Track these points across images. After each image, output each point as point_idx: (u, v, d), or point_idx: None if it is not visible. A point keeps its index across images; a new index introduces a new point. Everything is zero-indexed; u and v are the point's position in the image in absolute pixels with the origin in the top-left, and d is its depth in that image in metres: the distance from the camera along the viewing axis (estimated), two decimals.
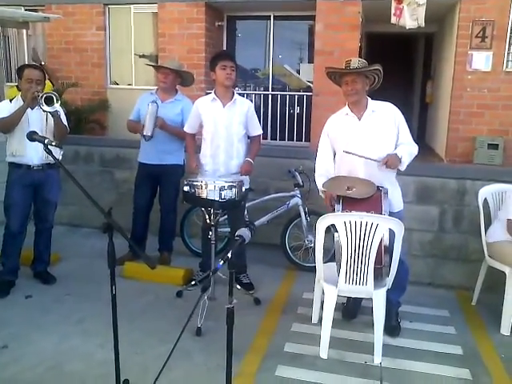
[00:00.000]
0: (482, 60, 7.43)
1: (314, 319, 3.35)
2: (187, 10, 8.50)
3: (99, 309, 3.38)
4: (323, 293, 3.03)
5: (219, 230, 4.20)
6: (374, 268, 2.81)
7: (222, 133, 3.68)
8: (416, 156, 3.16)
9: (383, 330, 2.99)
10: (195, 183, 3.19)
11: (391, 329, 3.21)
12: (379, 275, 2.90)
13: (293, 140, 8.75)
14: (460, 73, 7.60)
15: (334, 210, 2.98)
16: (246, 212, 4.47)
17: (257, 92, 9.60)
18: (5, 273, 3.81)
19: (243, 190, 3.34)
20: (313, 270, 3.61)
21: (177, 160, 4.23)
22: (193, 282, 3.72)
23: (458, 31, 7.61)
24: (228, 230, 4.24)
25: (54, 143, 2.49)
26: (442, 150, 8.26)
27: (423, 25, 7.23)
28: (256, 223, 4.50)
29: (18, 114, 3.52)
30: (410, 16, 7.37)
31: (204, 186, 3.15)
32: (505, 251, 3.36)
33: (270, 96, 9.13)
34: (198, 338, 3.13)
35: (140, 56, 9.18)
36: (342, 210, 2.87)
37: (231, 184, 3.18)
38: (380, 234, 2.72)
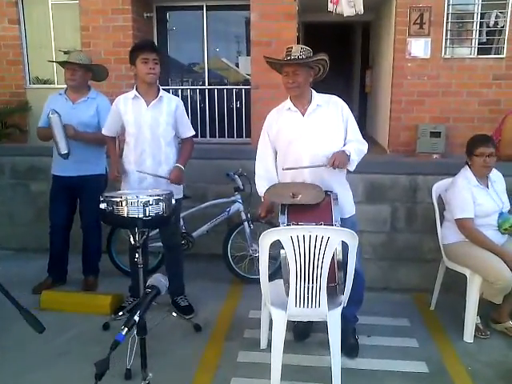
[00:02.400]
0: (420, 47, 7.30)
1: (263, 344, 2.95)
2: (111, 0, 7.81)
3: (11, 353, 2.83)
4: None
5: (152, 245, 3.73)
6: (327, 287, 2.44)
7: (147, 135, 3.17)
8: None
9: (341, 350, 2.65)
10: (113, 199, 2.67)
11: (349, 348, 2.87)
12: (333, 294, 2.53)
13: (233, 137, 8.31)
14: (399, 60, 7.43)
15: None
16: (182, 223, 4.02)
17: (192, 87, 9.06)
18: None
19: (173, 202, 2.86)
20: (259, 282, 3.22)
21: (97, 169, 3.69)
22: (120, 313, 3.20)
23: (396, 18, 7.43)
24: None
25: None
26: (384, 141, 8.09)
27: (361, 12, 6.99)
28: (194, 234, 4.08)
29: None
30: (348, 3, 7.12)
31: (124, 203, 2.63)
32: (463, 252, 3.10)
33: (206, 91, 8.62)
34: (128, 383, 2.64)
35: (64, 52, 8.38)
36: (288, 223, 2.47)
37: (157, 198, 2.68)
38: (332, 248, 2.35)
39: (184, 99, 8.23)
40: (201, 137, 8.29)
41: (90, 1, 7.92)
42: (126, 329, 1.46)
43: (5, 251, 4.67)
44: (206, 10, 8.79)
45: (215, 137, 8.31)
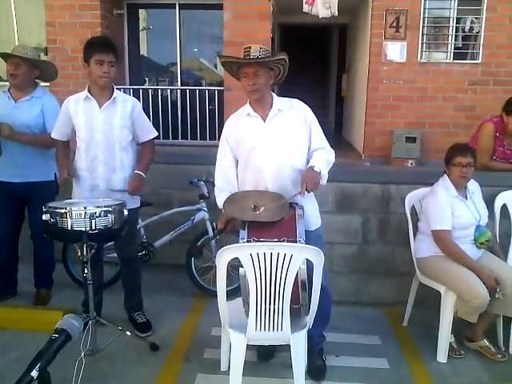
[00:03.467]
0: (396, 51, 7.20)
1: (223, 366, 2.72)
2: None
3: None
4: None
5: (108, 255, 3.49)
6: (291, 308, 2.24)
7: (100, 140, 2.91)
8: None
9: (307, 372, 2.48)
10: (57, 210, 2.42)
11: (316, 371, 2.68)
12: (297, 316, 2.33)
13: (206, 139, 8.07)
14: (375, 64, 7.33)
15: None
16: (142, 232, 3.78)
17: (163, 87, 8.79)
18: None
19: (125, 213, 2.62)
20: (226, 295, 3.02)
21: (45, 176, 3.40)
22: None
23: (372, 21, 7.33)
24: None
25: None
26: (359, 145, 7.98)
27: (336, 14, 6.86)
28: (156, 244, 3.85)
29: None
30: (323, 4, 6.98)
31: (68, 214, 2.38)
32: (437, 268, 2.94)
33: (179, 91, 8.37)
34: None
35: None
36: (248, 238, 2.25)
37: (106, 209, 2.44)
38: (295, 266, 2.15)
39: (155, 99, 7.99)
40: (172, 139, 8.04)
41: None
42: None
43: None
44: (179, 9, 8.54)
45: (187, 139, 8.07)
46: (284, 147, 2.53)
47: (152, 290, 3.50)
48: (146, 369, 2.77)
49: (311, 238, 2.40)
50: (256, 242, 2.23)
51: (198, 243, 3.72)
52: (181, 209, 3.91)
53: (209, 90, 8.37)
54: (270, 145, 2.53)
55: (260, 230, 2.29)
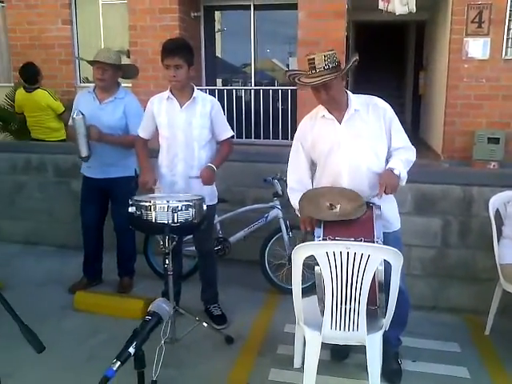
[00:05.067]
0: (478, 47, 6.85)
1: (297, 363, 2.74)
2: None
3: (38, 356, 2.77)
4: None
5: (187, 249, 3.63)
6: (367, 309, 2.22)
7: (180, 139, 3.03)
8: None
9: (382, 375, 2.43)
10: (142, 203, 2.57)
11: (391, 374, 2.63)
12: (373, 317, 2.30)
13: (278, 138, 8.14)
14: (455, 62, 7.03)
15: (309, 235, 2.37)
16: (218, 227, 3.88)
17: (238, 87, 8.96)
18: None
19: (204, 208, 2.72)
20: None
21: (126, 171, 3.57)
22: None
23: (452, 16, 7.03)
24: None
25: None
26: (438, 146, 7.69)
27: (414, 10, 6.66)
28: (231, 239, 3.94)
29: None
30: (400, 1, 6.79)
31: (153, 208, 2.52)
32: None
33: (252, 91, 8.50)
34: None
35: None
36: (324, 236, 2.26)
37: (187, 204, 2.55)
38: (373, 267, 2.12)
39: (230, 100, 8.17)
40: (245, 138, 8.19)
41: (137, 0, 8.00)
42: (119, 363, 1.30)
43: (47, 247, 4.71)
44: (254, 10, 8.67)
45: (260, 138, 8.18)
46: (361, 149, 2.46)
47: (226, 284, 3.58)
48: (221, 360, 2.85)
49: (390, 240, 2.36)
50: (332, 240, 2.23)
51: (271, 241, 3.78)
52: (255, 206, 3.98)
53: (282, 89, 8.44)
54: (346, 147, 2.46)
55: (336, 228, 2.27)
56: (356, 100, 2.50)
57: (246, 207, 4.01)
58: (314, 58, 2.31)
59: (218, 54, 9.65)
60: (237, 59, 9.62)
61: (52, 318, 3.34)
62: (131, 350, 1.31)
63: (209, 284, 3.34)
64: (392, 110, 2.53)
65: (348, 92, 2.52)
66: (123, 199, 3.44)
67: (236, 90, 8.66)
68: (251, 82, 8.99)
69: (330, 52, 2.33)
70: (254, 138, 8.17)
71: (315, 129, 2.56)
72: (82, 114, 3.32)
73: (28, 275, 4.04)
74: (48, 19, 8.34)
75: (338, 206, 2.33)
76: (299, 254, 2.19)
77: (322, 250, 2.14)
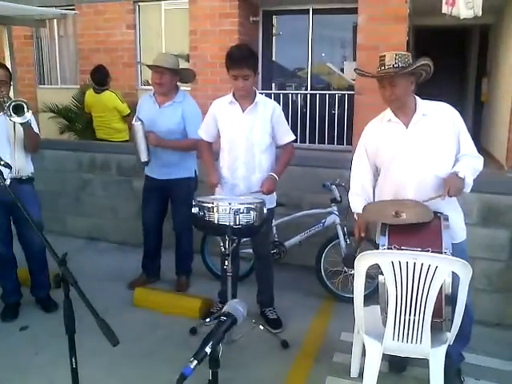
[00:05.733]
0: None
1: (354, 372, 2.71)
2: (220, 4, 7.98)
3: (100, 347, 2.88)
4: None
5: (243, 251, 3.66)
6: (432, 322, 2.16)
7: (242, 142, 3.06)
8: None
9: None
10: (205, 204, 2.62)
11: None
12: (438, 330, 2.24)
13: (333, 143, 8.07)
14: None
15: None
16: (274, 231, 3.90)
17: (294, 92, 8.96)
18: (6, 295, 3.44)
19: (264, 212, 2.74)
20: (353, 301, 2.99)
21: (186, 173, 3.66)
22: (208, 319, 3.15)
23: None
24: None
25: (2, 162, 2.01)
26: (501, 155, 7.37)
27: (480, 14, 6.41)
28: (286, 244, 3.94)
29: None
30: (465, 4, 6.56)
31: (215, 209, 2.57)
32: None
33: (308, 96, 8.48)
34: None
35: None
36: (389, 245, 2.22)
37: (249, 206, 2.58)
38: (440, 279, 2.07)
39: (285, 104, 8.19)
40: (300, 142, 8.18)
41: (199, 6, 8.18)
42: (196, 362, 1.33)
43: (108, 244, 4.91)
44: (313, 14, 8.64)
45: (315, 143, 8.15)
46: (427, 155, 2.41)
47: (281, 288, 3.58)
48: (276, 364, 2.86)
49: (455, 251, 2.28)
50: (397, 249, 2.19)
51: (328, 247, 3.75)
52: (312, 211, 3.97)
53: (338, 94, 8.36)
54: (412, 153, 2.42)
55: (402, 237, 2.23)
56: (424, 105, 2.46)
57: (303, 212, 4.00)
58: (384, 56, 2.33)
59: (274, 58, 9.70)
60: (291, 63, 9.63)
61: (112, 312, 3.43)
62: (207, 349, 1.34)
63: (265, 287, 3.36)
64: (461, 117, 2.47)
65: (416, 97, 2.49)
66: (183, 200, 3.58)
67: (292, 94, 8.66)
68: (305, 86, 8.97)
69: (403, 52, 2.34)
70: (309, 143, 8.14)
71: (381, 133, 2.54)
72: (141, 121, 3.43)
73: (90, 270, 4.20)
74: (113, 24, 8.69)
75: (403, 214, 2.29)
76: (363, 263, 2.16)
77: (387, 259, 2.11)
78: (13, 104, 2.88)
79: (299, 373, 2.80)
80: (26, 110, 2.90)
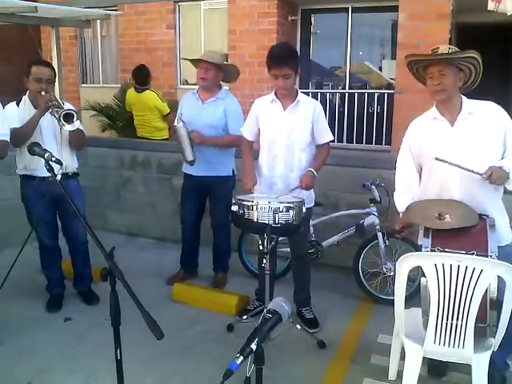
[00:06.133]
0: None
1: (392, 375, 2.67)
2: (259, 4, 8.00)
3: (140, 341, 2.95)
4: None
5: (280, 250, 3.67)
6: (475, 327, 2.11)
7: (282, 141, 3.07)
8: None
9: None
10: (245, 203, 2.65)
11: None
12: (482, 335, 2.18)
13: (371, 143, 7.96)
14: None
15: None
16: (311, 231, 3.88)
17: (332, 91, 8.89)
18: (52, 287, 3.58)
19: (303, 211, 2.74)
20: (391, 303, 2.93)
21: (225, 171, 3.71)
22: (245, 317, 3.18)
23: None
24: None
25: (53, 158, 2.10)
26: None
27: None
28: (324, 244, 3.92)
29: (31, 125, 3.11)
30: None
31: (255, 207, 2.59)
32: None
33: (346, 95, 8.39)
34: None
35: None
36: (432, 247, 2.19)
37: (288, 205, 2.59)
38: (485, 283, 2.02)
39: (323, 103, 8.15)
40: (337, 142, 8.11)
41: (238, 5, 8.22)
42: (242, 357, 1.36)
43: (147, 239, 5.03)
44: (352, 13, 8.55)
45: (352, 142, 8.06)
46: (473, 154, 2.36)
47: (318, 289, 3.57)
48: (313, 364, 2.86)
49: (501, 255, 2.22)
50: (441, 252, 2.15)
51: (366, 248, 3.71)
52: (350, 211, 3.93)
53: (377, 93, 8.25)
54: (457, 151, 2.39)
55: (445, 239, 2.20)
56: (470, 104, 2.44)
57: (341, 212, 3.98)
58: (438, 47, 2.34)
59: (311, 56, 9.65)
60: (328, 62, 9.57)
61: (151, 307, 3.52)
62: (253, 346, 1.36)
63: (302, 286, 3.36)
64: (508, 116, 2.41)
65: (462, 96, 2.47)
66: (221, 198, 3.64)
67: (329, 93, 8.60)
68: (342, 85, 8.89)
69: (455, 47, 2.36)
70: (347, 142, 8.06)
71: (425, 131, 2.52)
72: (183, 122, 3.51)
73: (130, 265, 4.25)
74: (154, 24, 8.85)
75: (447, 215, 2.25)
76: (405, 264, 2.14)
77: (430, 261, 2.07)
78: (63, 113, 3.01)
79: (336, 373, 2.78)
80: (75, 118, 3.05)
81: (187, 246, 3.99)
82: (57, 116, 3.02)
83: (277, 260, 3.51)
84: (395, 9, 7.57)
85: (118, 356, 1.67)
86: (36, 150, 2.23)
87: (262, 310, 3.01)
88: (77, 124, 3.05)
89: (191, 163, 3.60)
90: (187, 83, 9.10)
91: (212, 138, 3.59)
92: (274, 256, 3.29)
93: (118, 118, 7.64)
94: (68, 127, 3.04)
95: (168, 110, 5.71)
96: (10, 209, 4.22)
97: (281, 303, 1.50)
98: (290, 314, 1.52)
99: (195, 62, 3.67)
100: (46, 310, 3.48)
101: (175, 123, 3.55)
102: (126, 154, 5.14)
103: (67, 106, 3.31)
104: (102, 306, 3.53)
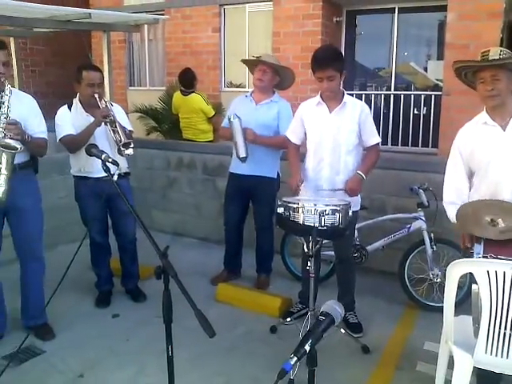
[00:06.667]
0: None
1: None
2: (303, 5, 7.98)
3: (185, 338, 3.02)
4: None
5: (323, 253, 3.65)
6: None
7: (328, 143, 3.06)
8: None
9: None
10: (291, 205, 2.65)
11: None
12: None
13: (417, 146, 7.78)
14: None
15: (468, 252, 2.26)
16: (356, 234, 3.85)
17: (377, 92, 8.75)
18: (101, 283, 3.71)
19: (349, 214, 2.72)
20: (438, 310, 2.89)
21: (270, 172, 3.74)
22: (288, 319, 3.19)
23: None
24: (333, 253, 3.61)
25: (110, 160, 2.19)
26: None
27: None
28: (369, 248, 3.87)
29: (88, 134, 3.23)
30: None
31: (301, 210, 2.59)
32: None
33: (391, 96, 8.25)
34: None
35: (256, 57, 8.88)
36: (484, 254, 2.13)
37: (334, 208, 2.58)
38: None
39: (367, 104, 8.03)
40: (382, 144, 7.97)
41: (283, 7, 8.23)
42: (296, 358, 1.37)
43: (192, 239, 5.12)
44: (398, 13, 8.39)
45: (397, 145, 7.91)
46: None
47: (362, 293, 3.54)
48: (358, 369, 2.83)
49: None
50: (494, 258, 2.09)
51: (413, 254, 3.64)
52: (396, 215, 3.87)
53: (423, 94, 8.06)
54: (510, 156, 2.33)
55: (499, 246, 2.13)
56: None
57: (387, 216, 3.92)
58: (488, 50, 2.28)
59: (355, 58, 9.54)
60: (372, 63, 9.44)
61: (198, 306, 3.63)
62: (307, 347, 1.38)
63: (346, 290, 3.33)
64: None
65: None
66: (265, 200, 3.68)
67: (373, 94, 8.47)
68: (387, 86, 8.74)
69: (507, 50, 2.27)
70: (391, 145, 7.92)
71: (476, 136, 2.46)
72: (238, 118, 3.55)
73: (174, 265, 4.38)
74: (200, 28, 9.00)
75: (500, 220, 2.19)
76: (456, 271, 2.09)
77: (482, 268, 2.02)
78: (122, 143, 3.19)
79: (380, 379, 2.75)
80: (131, 146, 3.22)
81: (230, 248, 4.04)
82: (119, 144, 3.19)
83: (321, 263, 3.50)
84: (443, 8, 7.38)
85: (170, 352, 1.72)
86: (93, 151, 2.33)
87: (306, 313, 3.01)
88: (131, 151, 3.23)
89: (244, 160, 3.61)
90: (231, 85, 9.18)
91: (265, 137, 3.63)
92: (319, 259, 3.28)
93: (164, 121, 7.81)
94: (128, 152, 3.22)
95: (213, 113, 5.80)
96: (62, 207, 4.41)
97: (334, 306, 1.51)
98: (342, 316, 1.53)
99: (251, 66, 3.76)
100: (95, 305, 3.61)
101: (230, 118, 3.58)
102: (172, 155, 5.26)
103: (116, 107, 3.43)
104: (148, 303, 3.64)
